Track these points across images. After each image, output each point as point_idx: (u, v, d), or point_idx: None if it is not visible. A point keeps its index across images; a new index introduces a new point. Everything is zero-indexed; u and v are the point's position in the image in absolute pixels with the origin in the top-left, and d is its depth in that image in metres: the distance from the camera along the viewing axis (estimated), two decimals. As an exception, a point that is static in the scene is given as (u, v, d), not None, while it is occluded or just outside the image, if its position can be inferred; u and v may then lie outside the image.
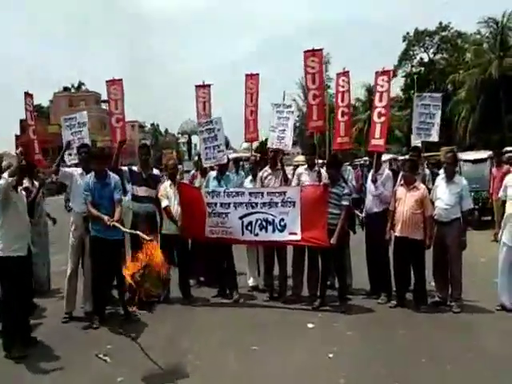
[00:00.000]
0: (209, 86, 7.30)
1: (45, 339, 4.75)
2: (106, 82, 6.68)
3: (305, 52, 6.12)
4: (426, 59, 46.35)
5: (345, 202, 5.51)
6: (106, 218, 4.82)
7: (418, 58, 46.57)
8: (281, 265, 6.06)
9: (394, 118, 48.20)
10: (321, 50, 6.11)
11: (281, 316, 5.42)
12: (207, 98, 7.22)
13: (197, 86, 7.30)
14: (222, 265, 6.21)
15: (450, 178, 5.59)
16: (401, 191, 5.61)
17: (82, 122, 6.20)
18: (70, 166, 5.97)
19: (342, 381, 3.81)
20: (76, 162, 5.92)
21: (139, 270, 3.99)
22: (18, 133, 35.71)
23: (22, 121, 26.69)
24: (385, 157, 11.15)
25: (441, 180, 5.70)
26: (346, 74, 6.36)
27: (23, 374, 4.06)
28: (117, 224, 4.77)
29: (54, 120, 51.51)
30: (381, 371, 3.96)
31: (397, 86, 48.39)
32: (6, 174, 4.35)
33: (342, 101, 6.35)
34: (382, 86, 5.92)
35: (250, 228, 5.83)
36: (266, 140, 6.55)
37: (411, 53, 46.57)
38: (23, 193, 4.70)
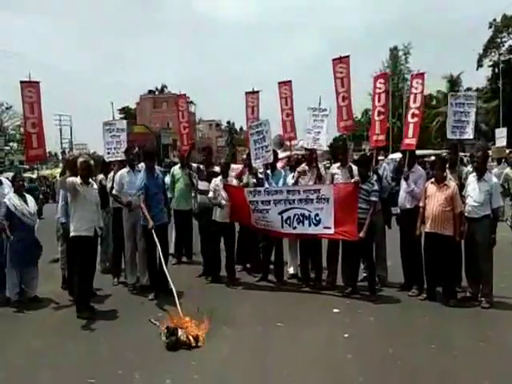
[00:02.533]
0: (257, 92, 8.03)
1: (110, 305, 5.86)
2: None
3: (333, 60, 6.67)
4: (516, 46, 42.96)
5: (373, 198, 5.89)
6: (151, 223, 5.82)
7: (506, 45, 43.25)
8: (316, 255, 6.58)
9: (479, 111, 45.60)
10: (347, 56, 6.66)
11: (310, 300, 5.97)
12: (255, 103, 7.97)
13: (247, 93, 8.06)
14: (269, 254, 6.91)
15: (480, 176, 5.71)
16: (431, 188, 5.84)
17: (120, 128, 7.17)
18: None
19: (350, 356, 4.30)
20: (116, 159, 7.01)
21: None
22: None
23: None
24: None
25: (472, 178, 5.83)
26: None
27: (92, 330, 5.12)
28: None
29: (141, 121, 55.72)
30: (388, 351, 4.36)
31: (481, 77, 45.64)
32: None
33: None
34: (416, 88, 6.19)
35: (288, 222, 6.42)
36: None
37: (498, 40, 43.34)
38: (94, 186, 5.76)
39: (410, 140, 6.19)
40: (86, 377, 3.95)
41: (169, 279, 5.49)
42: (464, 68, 59.79)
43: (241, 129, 75.58)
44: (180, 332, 4.49)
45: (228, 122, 77.14)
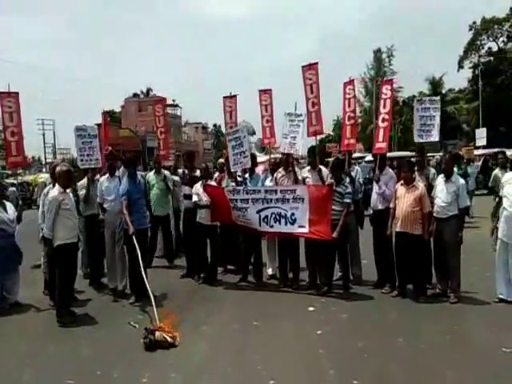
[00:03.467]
0: (235, 96, 8.21)
1: (91, 309, 5.95)
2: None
3: (302, 67, 6.95)
4: (495, 49, 43.86)
5: (347, 200, 6.13)
6: (131, 229, 5.94)
7: (486, 47, 44.19)
8: (294, 256, 6.78)
9: (461, 112, 46.50)
10: (316, 63, 6.94)
11: (287, 299, 6.18)
12: (233, 107, 8.15)
13: (224, 97, 8.23)
14: (249, 256, 7.10)
15: (447, 178, 5.99)
16: (401, 190, 6.09)
17: (92, 134, 7.16)
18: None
19: (321, 351, 4.50)
20: (90, 166, 7.02)
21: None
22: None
23: (96, 125, 28.69)
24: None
25: (440, 179, 6.10)
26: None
27: (72, 333, 5.24)
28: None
29: (125, 124, 55.32)
30: (358, 344, 4.59)
31: (463, 78, 46.51)
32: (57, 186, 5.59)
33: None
34: (385, 94, 6.45)
35: (266, 220, 6.63)
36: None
37: (478, 43, 44.25)
38: (70, 194, 5.85)
39: (380, 144, 6.45)
40: (65, 378, 4.06)
41: (147, 284, 5.60)
42: (446, 69, 60.85)
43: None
44: (157, 333, 4.64)
45: (214, 125, 77.25)
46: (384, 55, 56.38)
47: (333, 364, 4.21)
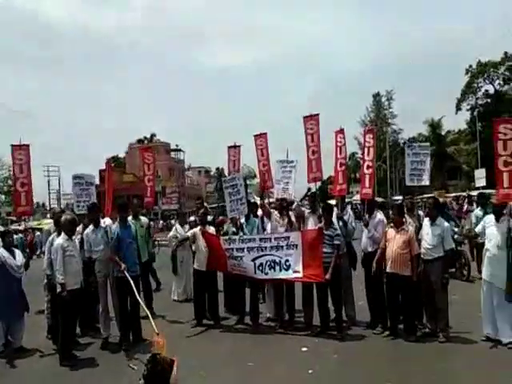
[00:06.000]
0: (239, 146, 8.68)
1: (92, 353, 6.18)
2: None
3: (304, 117, 7.45)
4: (492, 91, 45.08)
5: (336, 242, 6.44)
6: (123, 265, 6.16)
7: (482, 90, 45.42)
8: (289, 298, 7.01)
9: (461, 153, 47.19)
10: (317, 114, 7.47)
11: (282, 340, 6.38)
12: (237, 157, 8.59)
13: (229, 147, 8.70)
14: (243, 300, 7.33)
15: (432, 221, 6.29)
16: (390, 232, 6.39)
17: (89, 181, 7.59)
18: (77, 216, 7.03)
19: (311, 390, 4.71)
20: (85, 212, 7.13)
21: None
22: (97, 182, 39.90)
23: (101, 171, 29.23)
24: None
25: (426, 222, 6.42)
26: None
27: (75, 375, 5.46)
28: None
29: (130, 170, 56.51)
30: (347, 384, 4.79)
31: (462, 120, 47.52)
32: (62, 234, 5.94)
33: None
34: (369, 142, 6.91)
35: (261, 268, 6.90)
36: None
37: (475, 85, 45.56)
38: (76, 241, 6.21)
39: (366, 190, 6.85)
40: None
41: (150, 318, 5.57)
42: (444, 112, 62.36)
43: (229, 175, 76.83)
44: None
45: (217, 169, 78.34)
46: (383, 99, 58.39)
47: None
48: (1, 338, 6.21)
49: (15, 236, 15.40)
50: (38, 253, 20.00)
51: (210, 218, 7.80)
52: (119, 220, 6.64)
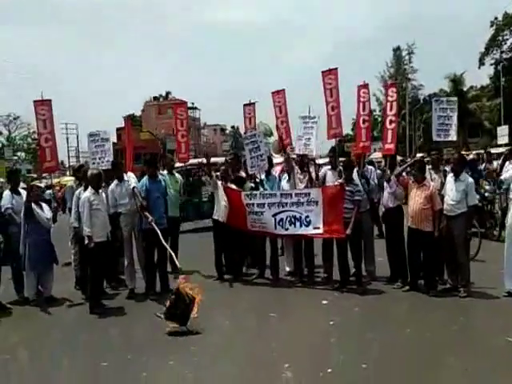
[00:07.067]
0: (253, 103, 8.57)
1: (119, 303, 6.43)
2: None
3: (322, 72, 7.21)
4: (518, 44, 43.04)
5: (357, 197, 6.42)
6: (150, 217, 6.27)
7: (508, 43, 43.38)
8: (309, 253, 7.10)
9: (483, 109, 45.79)
10: (336, 68, 7.23)
11: (302, 294, 6.52)
12: (252, 114, 8.51)
13: (244, 105, 8.61)
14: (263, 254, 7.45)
15: (456, 176, 6.21)
16: (412, 188, 6.34)
17: (105, 137, 7.48)
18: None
19: (333, 339, 4.86)
20: (102, 168, 6.93)
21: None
22: (115, 140, 40.20)
23: (118, 129, 29.25)
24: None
25: (449, 178, 6.33)
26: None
27: (103, 322, 5.70)
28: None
29: (146, 127, 56.33)
30: (367, 335, 4.90)
31: (484, 75, 45.80)
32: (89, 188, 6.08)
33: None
34: (391, 97, 6.74)
35: (281, 224, 6.95)
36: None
37: (500, 38, 43.52)
38: (103, 194, 6.33)
39: (389, 145, 6.73)
40: (99, 361, 4.50)
41: (175, 260, 5.99)
42: (466, 67, 59.94)
43: (245, 132, 76.31)
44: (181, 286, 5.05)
45: (232, 127, 77.79)
46: (404, 53, 56.22)
47: (343, 351, 4.53)
48: (33, 288, 6.49)
49: (47, 191, 15.94)
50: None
51: (243, 174, 7.68)
52: (148, 175, 6.73)
